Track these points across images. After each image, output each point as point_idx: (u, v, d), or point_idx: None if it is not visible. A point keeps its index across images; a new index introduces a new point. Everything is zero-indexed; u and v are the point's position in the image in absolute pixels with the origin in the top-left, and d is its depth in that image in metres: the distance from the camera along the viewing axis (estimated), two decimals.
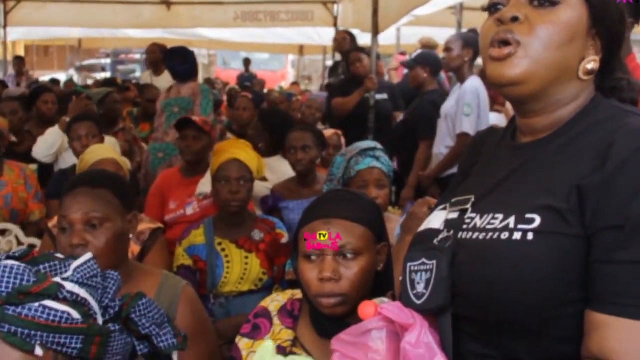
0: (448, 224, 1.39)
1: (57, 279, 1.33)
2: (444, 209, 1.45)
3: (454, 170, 4.86)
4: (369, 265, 1.88)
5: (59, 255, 1.43)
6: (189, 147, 4.19)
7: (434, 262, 1.32)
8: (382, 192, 3.11)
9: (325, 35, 11.17)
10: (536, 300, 1.19)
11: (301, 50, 15.49)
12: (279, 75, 22.03)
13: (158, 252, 3.27)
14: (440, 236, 1.39)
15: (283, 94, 7.71)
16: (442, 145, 4.98)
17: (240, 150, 3.47)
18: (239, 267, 3.30)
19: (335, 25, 10.15)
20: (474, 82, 4.84)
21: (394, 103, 6.54)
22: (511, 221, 1.25)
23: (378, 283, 1.92)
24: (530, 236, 1.21)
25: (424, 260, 1.35)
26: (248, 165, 3.41)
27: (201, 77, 25.10)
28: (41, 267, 1.36)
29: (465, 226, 1.34)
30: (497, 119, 5.62)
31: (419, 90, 5.69)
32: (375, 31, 6.23)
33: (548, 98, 1.31)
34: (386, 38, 8.91)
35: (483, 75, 2.70)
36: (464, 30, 6.38)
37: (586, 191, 1.19)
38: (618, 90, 1.36)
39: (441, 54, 5.57)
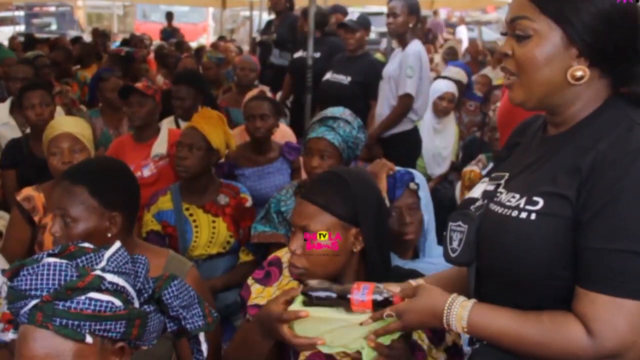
0: (484, 194, 1.71)
1: (98, 272, 1.47)
2: (485, 181, 1.76)
3: (396, 130, 5.08)
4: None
5: (90, 246, 1.57)
6: (136, 113, 4.31)
7: (467, 226, 1.66)
8: (326, 162, 3.12)
9: None
10: (533, 267, 1.52)
11: (224, 3, 15.33)
12: (200, 28, 21.83)
13: None
14: (477, 203, 1.70)
15: (212, 59, 7.70)
16: (386, 105, 5.15)
17: (200, 119, 3.57)
18: (207, 231, 3.45)
19: None
20: (416, 46, 5.03)
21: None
22: (522, 202, 1.55)
23: (365, 261, 2.10)
24: (533, 216, 1.52)
25: (460, 222, 1.69)
26: (205, 135, 3.49)
27: (115, 28, 24.67)
28: (79, 260, 1.51)
29: (495, 199, 1.65)
30: (447, 86, 5.85)
31: (354, 52, 5.80)
32: None
33: (552, 104, 1.60)
34: None
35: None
36: None
37: (582, 178, 1.47)
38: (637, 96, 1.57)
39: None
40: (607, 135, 1.50)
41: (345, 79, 5.68)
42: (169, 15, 15.91)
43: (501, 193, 1.65)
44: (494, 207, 1.63)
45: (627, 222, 1.42)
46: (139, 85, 4.42)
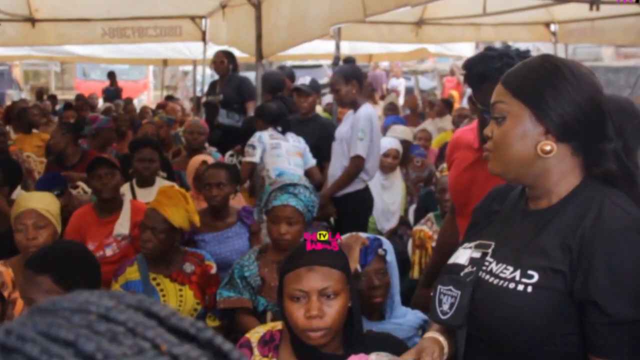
0: (472, 261, 1.84)
1: None
2: (469, 247, 1.89)
3: (348, 189, 5.24)
4: (345, 302, 2.23)
5: None
6: (107, 185, 4.29)
7: (459, 292, 1.79)
8: (292, 229, 3.36)
9: (195, 50, 11.29)
10: (530, 336, 1.67)
11: (165, 62, 15.44)
12: (141, 85, 21.80)
13: None
14: (466, 270, 1.83)
15: (163, 118, 7.81)
16: (338, 166, 5.32)
17: (162, 199, 3.65)
18: (175, 300, 3.54)
19: (204, 40, 10.26)
20: (367, 110, 5.22)
21: None
22: (517, 274, 1.70)
23: (348, 323, 2.28)
24: (529, 289, 1.67)
25: (451, 287, 1.82)
26: (166, 217, 3.56)
27: (53, 85, 24.44)
28: None
29: (484, 267, 1.80)
30: (391, 143, 6.06)
31: (306, 115, 5.99)
32: (260, 57, 6.51)
33: (527, 176, 1.78)
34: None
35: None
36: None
37: (573, 254, 1.64)
38: (610, 176, 1.74)
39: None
40: (587, 213, 1.67)
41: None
42: (112, 75, 15.90)
43: (490, 262, 1.79)
44: (486, 276, 1.77)
45: (623, 297, 1.58)
46: (106, 156, 4.46)
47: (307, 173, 5.56)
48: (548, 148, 1.71)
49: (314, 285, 2.19)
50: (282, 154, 5.59)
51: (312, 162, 5.75)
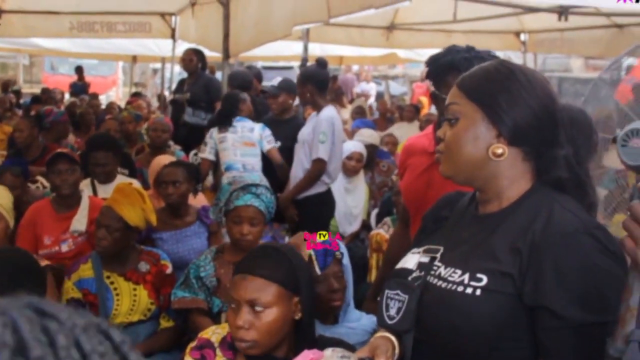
0: (420, 266, 1.83)
1: None
2: (417, 252, 1.88)
3: (310, 192, 5.22)
4: (282, 315, 2.18)
5: None
6: (66, 181, 4.22)
7: (407, 296, 1.78)
8: (255, 229, 3.35)
9: (164, 47, 11.22)
10: (478, 340, 1.65)
11: (134, 58, 15.32)
12: (110, 81, 21.64)
13: (48, 290, 3.38)
14: (414, 275, 1.82)
15: (131, 114, 7.75)
16: (300, 168, 5.29)
17: (118, 197, 3.60)
18: (128, 299, 3.49)
19: (173, 37, 10.21)
20: (329, 112, 5.20)
21: None
22: (465, 277, 1.68)
23: (299, 329, 2.24)
24: (478, 292, 1.65)
25: (399, 292, 1.81)
26: (122, 215, 3.51)
27: (21, 78, 24.16)
28: None
29: (432, 271, 1.78)
30: (354, 146, 6.05)
31: (281, 115, 5.95)
32: (226, 55, 6.48)
33: (478, 179, 1.77)
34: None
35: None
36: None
37: (523, 258, 1.63)
38: (561, 183, 1.74)
39: None
40: (538, 216, 1.66)
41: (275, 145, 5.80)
42: (79, 70, 15.74)
43: (438, 267, 1.78)
44: (434, 280, 1.75)
45: (572, 300, 1.57)
46: (65, 151, 4.40)
47: (268, 155, 5.71)
48: (500, 151, 1.71)
49: (243, 295, 2.15)
50: (228, 147, 5.72)
51: (270, 145, 5.77)
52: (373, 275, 4.71)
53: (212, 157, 5.81)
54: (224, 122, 5.83)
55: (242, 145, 5.71)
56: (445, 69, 2.68)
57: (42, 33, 10.68)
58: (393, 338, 1.84)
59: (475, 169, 1.75)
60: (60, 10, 9.92)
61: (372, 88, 18.63)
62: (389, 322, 1.81)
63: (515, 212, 1.72)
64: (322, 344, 2.26)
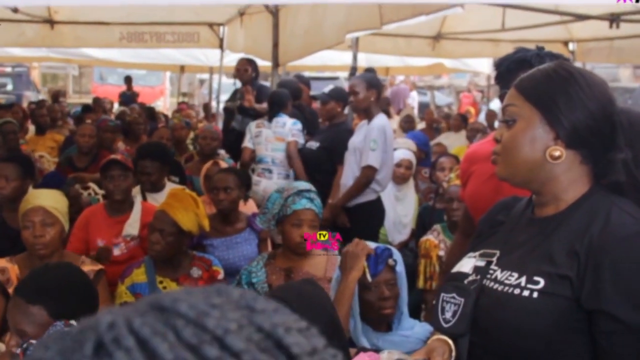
0: (476, 269, 1.83)
1: None
2: (473, 256, 1.88)
3: (360, 200, 5.21)
4: None
5: None
6: (119, 186, 4.28)
7: (463, 299, 1.78)
8: (314, 232, 3.38)
9: (212, 56, 11.32)
10: (535, 342, 1.64)
11: (182, 68, 15.48)
12: (157, 91, 21.91)
13: (101, 293, 3.41)
14: (470, 278, 1.82)
15: (182, 121, 7.85)
16: (350, 176, 5.29)
17: (172, 202, 3.63)
18: None
19: (221, 47, 10.28)
20: (381, 120, 5.21)
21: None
22: (522, 280, 1.68)
23: None
24: (535, 295, 1.65)
25: (455, 295, 1.81)
26: (175, 220, 3.54)
27: (71, 89, 24.60)
28: None
29: (488, 275, 1.78)
30: (403, 153, 6.01)
31: (330, 121, 6.00)
32: (276, 64, 6.51)
33: (535, 181, 1.76)
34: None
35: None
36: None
37: (581, 262, 1.61)
38: (619, 186, 1.73)
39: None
40: (595, 219, 1.65)
41: (314, 145, 5.93)
42: (128, 80, 15.99)
43: (495, 270, 1.78)
44: (491, 284, 1.75)
45: (633, 303, 1.56)
46: (118, 157, 4.45)
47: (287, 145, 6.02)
48: (557, 154, 1.71)
49: None
50: (262, 141, 6.14)
51: (293, 138, 6.03)
52: (421, 282, 4.68)
53: (251, 145, 6.19)
54: (262, 116, 6.14)
55: (275, 140, 6.05)
56: (516, 65, 2.63)
57: (92, 43, 10.85)
58: (449, 341, 1.83)
59: (532, 171, 1.74)
60: (111, 21, 10.07)
61: (414, 99, 18.57)
62: (445, 325, 1.82)
63: (572, 215, 1.71)
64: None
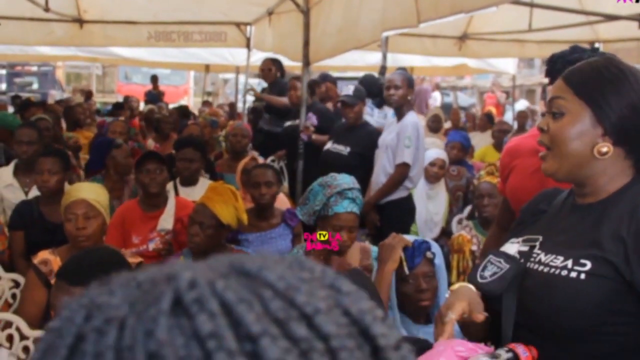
0: (520, 253, 1.86)
1: None
2: (516, 242, 1.92)
3: (392, 197, 5.24)
4: None
5: None
6: (154, 180, 4.35)
7: (508, 266, 1.82)
8: (352, 235, 3.42)
9: (238, 56, 11.38)
10: (582, 322, 1.67)
11: (207, 67, 15.55)
12: (182, 90, 22.05)
13: None
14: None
15: (207, 120, 7.91)
16: (382, 173, 5.32)
17: (212, 196, 3.68)
18: None
19: (248, 46, 10.33)
20: (413, 118, 5.26)
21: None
22: (569, 263, 1.71)
23: None
24: (583, 276, 1.68)
25: (502, 260, 1.85)
26: (215, 213, 3.61)
27: (94, 88, 24.79)
28: None
29: (532, 258, 1.81)
30: (437, 153, 6.06)
31: (355, 122, 5.97)
32: (307, 63, 6.54)
33: (580, 176, 1.79)
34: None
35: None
36: None
37: (628, 246, 1.65)
38: None
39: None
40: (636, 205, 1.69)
41: (344, 150, 5.84)
42: (154, 78, 16.12)
43: (538, 254, 1.81)
44: (535, 266, 1.79)
45: None
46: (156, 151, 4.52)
47: None
48: (605, 150, 1.74)
49: None
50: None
51: None
52: (453, 276, 4.71)
53: None
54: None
55: None
56: (572, 66, 2.65)
57: (121, 42, 10.90)
58: (473, 287, 1.86)
59: (578, 166, 1.77)
60: (139, 20, 10.12)
61: (436, 99, 18.54)
62: (480, 280, 1.85)
63: (616, 202, 1.75)
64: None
